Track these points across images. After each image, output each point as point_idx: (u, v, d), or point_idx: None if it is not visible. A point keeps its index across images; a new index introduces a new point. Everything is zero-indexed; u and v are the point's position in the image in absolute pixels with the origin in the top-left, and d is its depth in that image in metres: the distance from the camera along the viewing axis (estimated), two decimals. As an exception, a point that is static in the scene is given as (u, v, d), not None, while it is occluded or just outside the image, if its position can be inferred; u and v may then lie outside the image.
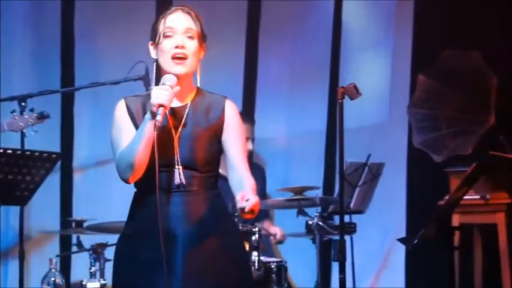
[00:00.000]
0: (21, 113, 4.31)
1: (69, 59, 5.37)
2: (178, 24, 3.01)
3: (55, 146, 5.16)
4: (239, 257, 3.08)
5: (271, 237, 5.26)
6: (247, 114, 5.51)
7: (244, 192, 2.85)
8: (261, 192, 5.35)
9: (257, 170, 5.43)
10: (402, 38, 5.60)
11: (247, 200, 2.82)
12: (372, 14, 5.77)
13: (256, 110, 5.70)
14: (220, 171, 5.49)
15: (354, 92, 3.76)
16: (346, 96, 3.76)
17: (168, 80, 2.95)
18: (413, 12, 5.54)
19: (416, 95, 5.18)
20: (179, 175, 2.96)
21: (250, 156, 5.34)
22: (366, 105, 5.23)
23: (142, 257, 2.96)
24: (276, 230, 5.20)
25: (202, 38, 3.05)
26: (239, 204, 2.81)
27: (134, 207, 3.04)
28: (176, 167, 2.96)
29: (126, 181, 2.96)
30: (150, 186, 2.90)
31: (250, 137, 5.28)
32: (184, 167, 2.97)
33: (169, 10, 3.06)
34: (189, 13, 3.05)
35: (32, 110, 4.28)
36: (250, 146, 5.30)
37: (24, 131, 4.29)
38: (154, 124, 2.86)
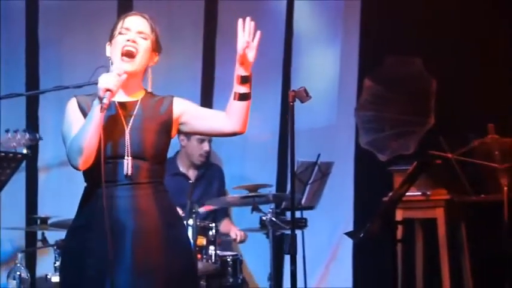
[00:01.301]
0: (15, 132, 4.24)
1: (34, 64, 5.31)
2: (134, 25, 3.01)
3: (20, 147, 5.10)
4: (184, 248, 3.05)
5: (233, 239, 5.23)
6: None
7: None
8: (220, 191, 5.34)
9: (215, 169, 5.42)
10: (349, 43, 5.61)
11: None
12: (321, 16, 5.76)
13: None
14: (181, 169, 5.48)
15: (304, 96, 3.75)
16: (297, 99, 3.78)
17: (116, 68, 2.93)
18: (359, 18, 5.55)
19: (362, 99, 5.22)
20: (127, 165, 2.92)
21: (208, 157, 5.34)
22: (316, 108, 5.24)
23: (91, 249, 2.91)
24: (235, 234, 5.15)
25: (156, 44, 3.04)
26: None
27: (83, 201, 3.00)
28: (126, 158, 2.93)
29: (77, 167, 2.90)
30: (99, 178, 2.85)
31: (207, 138, 5.27)
32: (134, 157, 2.94)
33: (129, 13, 3.05)
34: (146, 18, 3.04)
35: (25, 131, 4.22)
36: (207, 147, 5.28)
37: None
38: (101, 107, 2.83)
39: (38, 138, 4.28)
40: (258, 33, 2.93)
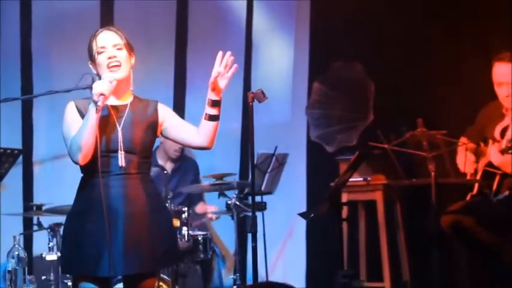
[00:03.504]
0: None
1: (28, 72, 5.25)
2: (107, 41, 3.00)
3: (17, 144, 5.09)
4: (168, 231, 3.10)
5: (208, 216, 5.24)
6: (178, 115, 5.46)
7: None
8: (195, 180, 5.35)
9: (190, 161, 5.41)
10: (301, 49, 5.60)
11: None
12: (276, 18, 5.72)
13: (186, 111, 5.68)
14: (159, 162, 5.47)
15: (261, 97, 3.77)
16: (255, 100, 3.80)
17: (107, 76, 2.97)
18: (309, 24, 5.54)
19: (312, 99, 5.24)
20: (121, 158, 2.96)
21: (183, 151, 5.34)
22: (273, 107, 5.26)
23: (88, 230, 2.95)
24: (213, 209, 5.14)
25: (130, 47, 3.05)
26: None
27: (81, 189, 3.03)
28: (119, 152, 2.97)
29: (77, 162, 2.94)
30: (95, 169, 2.91)
31: (181, 137, 5.24)
32: (125, 152, 2.98)
33: (97, 32, 3.05)
34: (114, 31, 3.05)
35: None
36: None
37: None
38: (96, 109, 2.87)
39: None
40: (235, 66, 2.98)
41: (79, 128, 2.93)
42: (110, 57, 2.98)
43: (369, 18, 5.21)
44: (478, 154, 4.33)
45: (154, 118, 3.07)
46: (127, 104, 3.05)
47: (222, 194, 4.76)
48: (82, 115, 2.99)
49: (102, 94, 2.88)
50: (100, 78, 3.00)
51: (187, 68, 5.64)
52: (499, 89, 4.22)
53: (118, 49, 3.01)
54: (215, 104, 3.00)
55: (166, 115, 3.09)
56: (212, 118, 3.01)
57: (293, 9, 5.70)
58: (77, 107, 3.03)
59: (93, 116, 2.88)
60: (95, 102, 2.88)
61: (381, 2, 5.19)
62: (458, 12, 5.07)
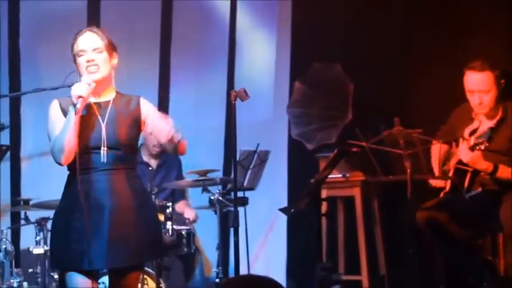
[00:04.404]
0: None
1: (16, 70, 5.25)
2: (87, 45, 3.02)
3: (5, 140, 5.07)
4: (152, 224, 3.12)
5: (186, 219, 5.24)
6: (162, 113, 5.44)
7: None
8: (178, 177, 5.35)
9: (173, 158, 5.38)
10: (283, 49, 5.61)
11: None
12: (258, 17, 5.72)
13: (170, 109, 5.68)
14: (144, 158, 5.49)
15: (244, 95, 3.81)
16: (238, 99, 3.82)
17: (85, 78, 2.98)
18: (291, 24, 5.52)
19: (293, 98, 5.25)
20: (104, 154, 2.97)
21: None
22: (256, 105, 5.25)
23: (75, 226, 2.97)
24: (189, 215, 5.15)
25: (111, 47, 3.07)
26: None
27: (67, 185, 3.05)
28: (103, 148, 2.97)
29: (60, 163, 2.96)
30: (80, 166, 2.92)
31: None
32: (110, 148, 2.99)
33: (79, 33, 3.06)
34: (95, 32, 3.06)
35: None
36: (160, 140, 5.25)
37: None
38: (75, 111, 2.89)
39: (4, 126, 4.25)
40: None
41: (60, 130, 2.95)
42: (88, 61, 3.00)
43: (348, 20, 5.23)
44: (450, 154, 4.37)
45: (137, 113, 3.07)
46: (110, 101, 3.06)
47: (205, 190, 4.77)
48: (65, 114, 3.00)
49: (80, 97, 2.90)
50: (79, 74, 3.02)
51: (171, 68, 5.64)
52: (471, 96, 4.27)
53: (98, 52, 3.02)
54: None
55: (148, 111, 3.09)
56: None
57: (275, 9, 5.71)
58: (60, 105, 3.04)
59: (72, 118, 2.90)
60: (74, 105, 2.90)
61: (360, 4, 5.22)
62: (435, 14, 5.10)
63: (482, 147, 4.00)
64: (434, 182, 4.33)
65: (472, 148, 4.04)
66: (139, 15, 5.56)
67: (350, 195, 5.00)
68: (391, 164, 4.63)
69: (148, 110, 3.10)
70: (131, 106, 3.06)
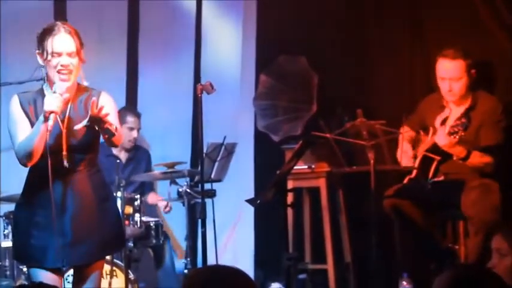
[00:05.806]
0: None
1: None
2: (63, 47, 2.99)
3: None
4: (115, 218, 3.15)
5: (161, 208, 5.24)
6: (131, 108, 5.44)
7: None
8: (147, 169, 5.35)
9: (143, 152, 5.41)
10: (248, 44, 5.59)
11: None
12: (224, 11, 5.69)
13: (139, 101, 5.65)
14: (113, 151, 5.46)
15: (210, 88, 3.80)
16: (204, 92, 3.82)
17: (58, 88, 2.95)
18: (256, 17, 5.51)
19: (259, 90, 5.24)
20: (65, 159, 2.96)
21: (136, 142, 5.33)
22: (222, 98, 5.24)
23: (37, 222, 2.98)
24: (163, 204, 5.15)
25: (81, 47, 3.04)
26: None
27: (29, 181, 3.05)
28: (63, 152, 2.97)
29: (25, 165, 2.98)
30: (43, 166, 2.92)
31: (136, 127, 5.25)
32: (71, 151, 2.98)
33: (53, 29, 3.00)
34: (69, 32, 3.02)
35: None
36: (135, 134, 5.26)
37: None
38: (47, 128, 2.88)
39: None
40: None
41: (28, 136, 2.93)
42: (62, 65, 2.96)
43: (312, 13, 5.24)
44: (417, 141, 4.44)
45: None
46: (69, 100, 3.02)
47: (173, 182, 4.79)
48: (25, 111, 2.97)
49: (53, 112, 2.87)
50: (46, 70, 2.97)
51: (139, 62, 5.60)
52: (442, 83, 4.34)
53: (72, 57, 3.00)
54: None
55: (106, 107, 3.03)
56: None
57: (241, 3, 5.72)
58: (20, 102, 3.01)
59: (43, 131, 2.89)
60: (46, 119, 2.88)
61: None
62: (398, 4, 5.14)
63: (458, 136, 4.08)
64: (404, 163, 4.38)
65: (450, 134, 4.11)
66: (107, 5, 5.51)
67: (315, 186, 5.01)
68: (355, 155, 4.66)
69: (104, 104, 3.01)
70: (89, 105, 3.01)
